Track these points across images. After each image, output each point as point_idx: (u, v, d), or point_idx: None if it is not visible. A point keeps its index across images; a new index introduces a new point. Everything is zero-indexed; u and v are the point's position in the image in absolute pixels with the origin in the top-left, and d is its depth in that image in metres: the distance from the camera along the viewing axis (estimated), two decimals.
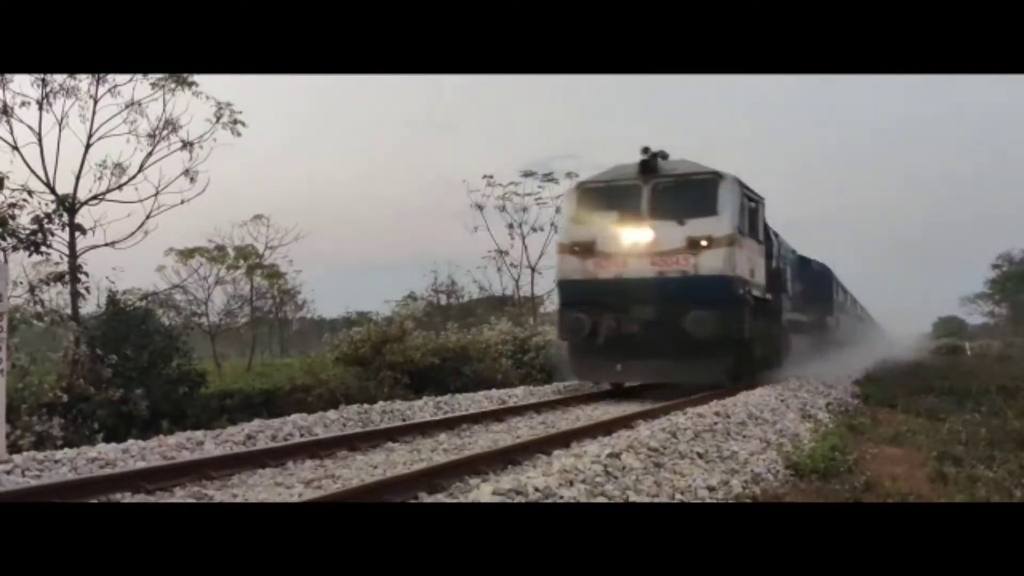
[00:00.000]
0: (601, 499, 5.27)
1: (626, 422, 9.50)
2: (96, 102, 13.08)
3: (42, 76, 12.44)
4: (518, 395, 13.27)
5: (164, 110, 13.49)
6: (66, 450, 7.51)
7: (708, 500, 5.75)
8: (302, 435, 8.83)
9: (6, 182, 11.56)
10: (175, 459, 7.24)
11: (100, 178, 13.06)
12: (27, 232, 11.52)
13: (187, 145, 13.53)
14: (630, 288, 12.87)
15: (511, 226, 26.31)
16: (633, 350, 12.83)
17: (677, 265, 12.74)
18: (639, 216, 13.07)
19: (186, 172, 13.48)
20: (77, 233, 12.50)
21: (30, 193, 11.88)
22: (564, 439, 8.32)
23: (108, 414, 10.84)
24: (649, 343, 12.67)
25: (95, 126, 13.13)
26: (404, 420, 10.20)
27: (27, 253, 11.63)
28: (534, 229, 26.14)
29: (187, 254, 23.01)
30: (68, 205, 12.40)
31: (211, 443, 8.08)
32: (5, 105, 12.44)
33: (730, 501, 5.80)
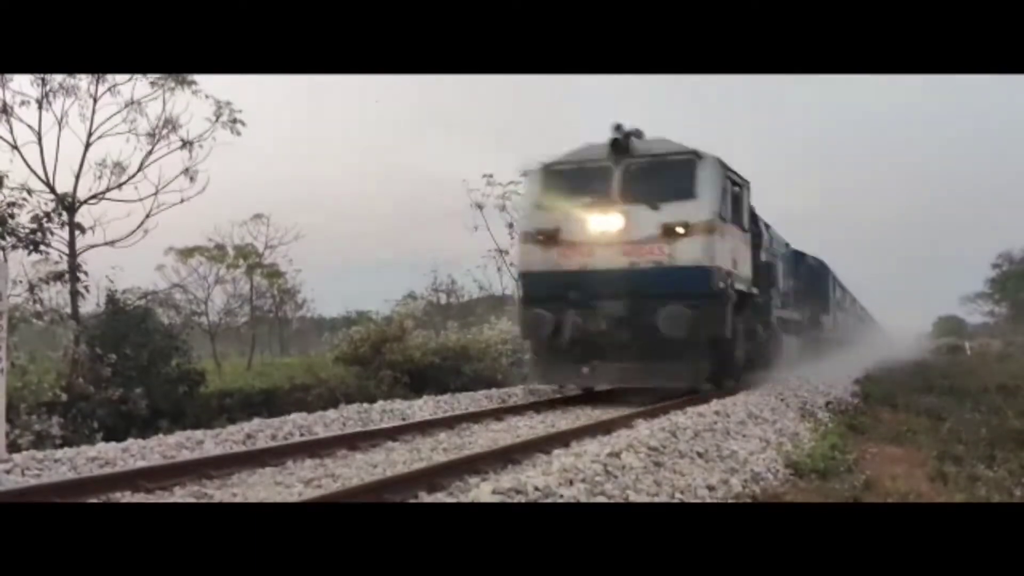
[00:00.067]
0: (601, 498, 5.27)
1: (626, 421, 9.50)
2: (96, 101, 13.10)
3: (42, 75, 12.45)
4: (518, 394, 13.24)
5: (164, 109, 13.51)
6: (66, 449, 7.51)
7: (708, 499, 5.75)
8: (302, 434, 8.82)
9: (6, 181, 11.58)
10: (175, 458, 7.24)
11: (100, 177, 13.09)
12: (27, 231, 11.54)
13: (187, 144, 13.54)
14: (598, 281, 11.69)
15: (511, 225, 26.25)
16: (601, 350, 11.66)
17: (650, 255, 11.53)
18: (609, 200, 11.85)
19: (186, 171, 13.49)
20: (77, 232, 12.51)
21: (30, 192, 11.92)
22: (564, 438, 8.30)
23: (107, 413, 10.86)
24: (619, 343, 11.55)
25: (95, 125, 13.16)
26: (404, 419, 10.18)
27: (27, 252, 11.65)
28: None
29: (187, 253, 23.04)
30: (68, 204, 12.41)
31: (211, 442, 8.07)
32: (5, 104, 12.46)
33: (730, 500, 5.80)
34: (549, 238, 12.03)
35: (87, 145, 13.04)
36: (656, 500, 5.51)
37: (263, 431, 8.68)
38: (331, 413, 10.07)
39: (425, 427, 9.38)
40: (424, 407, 11.24)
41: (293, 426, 9.10)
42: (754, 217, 14.71)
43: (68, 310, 12.43)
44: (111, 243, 12.91)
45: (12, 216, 11.42)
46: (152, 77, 13.19)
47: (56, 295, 12.75)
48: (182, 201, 13.51)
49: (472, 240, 24.31)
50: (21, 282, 11.75)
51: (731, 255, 12.34)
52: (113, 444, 7.71)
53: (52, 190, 12.43)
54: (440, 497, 5.79)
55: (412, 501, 5.71)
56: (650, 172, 11.93)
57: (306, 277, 28.11)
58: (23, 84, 12.61)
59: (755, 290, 13.83)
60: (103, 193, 13.02)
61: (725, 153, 12.40)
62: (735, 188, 12.91)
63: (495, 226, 26.58)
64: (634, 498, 5.40)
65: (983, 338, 54.00)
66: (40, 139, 12.62)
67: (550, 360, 12.21)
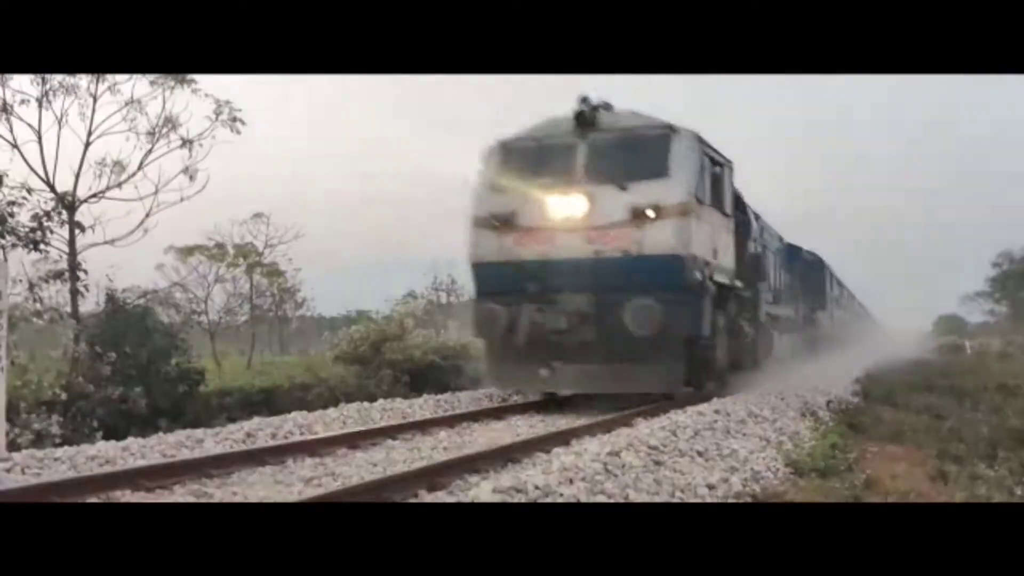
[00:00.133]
0: (601, 497, 5.27)
1: (626, 420, 9.49)
2: (96, 100, 13.08)
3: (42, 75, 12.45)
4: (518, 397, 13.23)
5: (163, 108, 13.49)
6: (65, 448, 7.51)
7: (708, 498, 5.75)
8: (302, 433, 8.82)
9: (6, 180, 11.56)
10: (175, 457, 7.24)
11: (100, 176, 13.04)
12: (27, 230, 11.52)
13: (186, 143, 13.51)
14: (558, 271, 10.40)
15: None
16: (562, 351, 10.33)
17: (617, 242, 10.24)
18: (572, 180, 10.56)
19: (185, 170, 13.46)
20: (76, 231, 12.48)
21: (29, 191, 11.87)
22: (564, 437, 8.31)
23: (107, 412, 10.84)
24: (582, 342, 10.25)
25: (95, 124, 13.11)
26: (404, 418, 10.19)
27: (26, 251, 11.63)
28: None
29: (187, 252, 23.00)
30: (67, 203, 12.39)
31: (211, 441, 8.08)
32: (5, 103, 12.44)
33: (730, 499, 5.80)
34: (504, 223, 10.79)
35: (87, 144, 13.02)
36: (656, 499, 5.51)
37: (263, 430, 8.68)
38: (331, 412, 10.07)
39: (425, 426, 9.39)
40: (424, 406, 11.24)
41: (293, 425, 9.10)
42: (741, 204, 13.67)
43: (68, 309, 12.40)
44: (111, 242, 12.88)
45: (12, 215, 11.41)
46: (152, 76, 13.18)
47: (56, 294, 12.72)
48: (182, 200, 13.46)
49: None
50: (21, 281, 11.72)
51: (710, 242, 11.14)
52: (113, 443, 7.72)
53: (52, 189, 12.42)
54: (440, 496, 5.79)
55: (412, 500, 5.72)
56: (618, 148, 10.66)
57: (306, 276, 28.09)
58: (23, 83, 12.60)
59: (740, 283, 12.78)
60: (103, 192, 12.99)
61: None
62: (715, 168, 11.63)
63: None
64: (634, 497, 5.40)
65: (983, 337, 54.03)
66: (40, 138, 12.60)
67: (504, 361, 11.03)
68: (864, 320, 44.52)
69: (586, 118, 10.78)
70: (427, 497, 5.80)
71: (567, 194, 10.55)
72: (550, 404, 11.67)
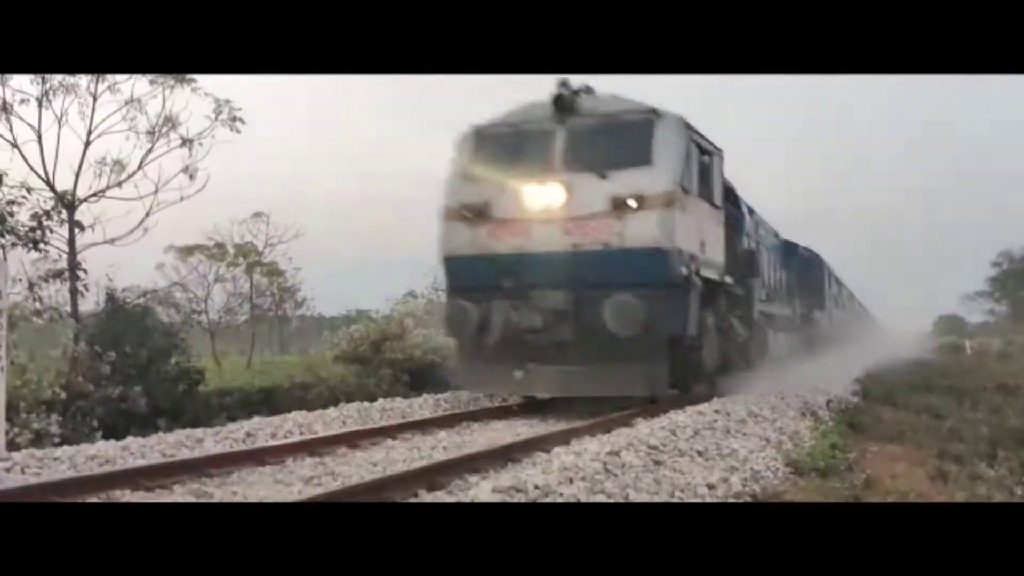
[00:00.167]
0: (601, 497, 5.27)
1: (626, 420, 9.48)
2: (95, 99, 13.08)
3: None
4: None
5: (163, 107, 13.49)
6: (65, 447, 7.51)
7: (708, 498, 5.75)
8: (302, 432, 8.83)
9: (5, 179, 11.56)
10: (174, 456, 7.24)
11: (99, 175, 13.04)
12: (26, 229, 11.52)
13: (186, 142, 13.51)
14: (534, 265, 9.80)
15: None
16: (537, 351, 9.74)
17: (597, 234, 9.62)
18: (549, 169, 9.93)
19: (185, 169, 13.46)
20: (76, 230, 12.48)
21: (29, 190, 11.87)
22: (564, 437, 8.30)
23: (107, 411, 10.84)
24: (559, 342, 9.68)
25: (94, 123, 13.12)
26: (404, 418, 10.19)
27: (26, 250, 11.63)
28: None
29: (186, 251, 23.01)
30: (67, 202, 12.39)
31: (211, 441, 8.08)
32: (4, 102, 12.44)
33: (730, 499, 5.80)
34: (477, 215, 10.15)
35: (87, 143, 13.02)
36: (656, 499, 5.51)
37: (263, 429, 8.68)
38: (331, 411, 10.07)
39: (425, 425, 9.39)
40: (424, 405, 11.23)
41: (293, 424, 9.10)
42: (732, 196, 13.12)
43: (68, 308, 12.40)
44: (111, 241, 12.88)
45: (12, 214, 11.41)
46: (151, 75, 13.18)
47: (55, 293, 12.71)
48: (182, 199, 13.47)
49: None
50: (21, 280, 11.72)
51: (697, 235, 10.48)
52: (112, 442, 7.71)
53: (52, 188, 12.42)
54: (440, 495, 5.80)
55: (412, 500, 5.72)
56: (599, 134, 10.03)
57: (306, 276, 28.10)
58: (23, 82, 12.60)
59: (730, 279, 12.18)
60: (103, 191, 12.99)
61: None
62: (704, 156, 10.98)
63: None
64: (634, 496, 5.40)
65: (983, 337, 54.06)
66: (40, 137, 12.61)
67: (475, 362, 10.32)
68: (864, 319, 44.45)
69: (565, 102, 10.17)
70: (427, 497, 5.80)
71: (544, 183, 9.95)
72: (550, 404, 11.61)
